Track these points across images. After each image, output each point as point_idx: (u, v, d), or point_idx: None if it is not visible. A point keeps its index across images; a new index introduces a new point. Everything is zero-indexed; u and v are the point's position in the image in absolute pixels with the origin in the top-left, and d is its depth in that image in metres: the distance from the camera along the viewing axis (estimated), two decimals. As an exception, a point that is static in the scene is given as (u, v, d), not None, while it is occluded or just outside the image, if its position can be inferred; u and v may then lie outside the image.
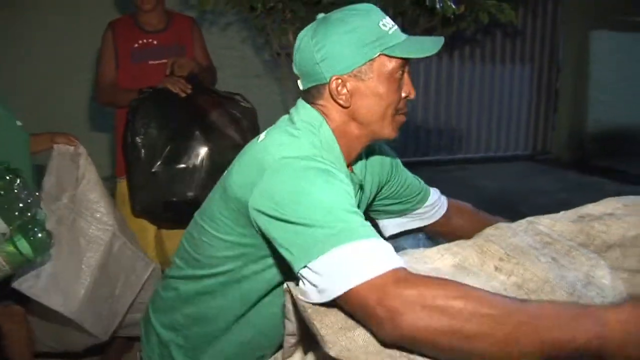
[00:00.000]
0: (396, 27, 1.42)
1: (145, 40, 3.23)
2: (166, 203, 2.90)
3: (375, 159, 1.67)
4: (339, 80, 1.39)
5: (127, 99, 3.07)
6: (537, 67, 8.67)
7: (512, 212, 6.13)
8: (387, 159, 1.72)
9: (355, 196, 1.48)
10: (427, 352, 1.02)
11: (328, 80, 1.40)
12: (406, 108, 1.48)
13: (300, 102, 1.49)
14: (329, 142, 1.42)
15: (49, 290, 2.67)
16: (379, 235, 1.16)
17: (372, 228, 1.18)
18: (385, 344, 1.06)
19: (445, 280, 1.07)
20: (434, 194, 1.89)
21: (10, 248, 2.23)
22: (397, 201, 1.81)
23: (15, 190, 2.26)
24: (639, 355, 0.92)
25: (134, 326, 2.77)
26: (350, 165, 1.53)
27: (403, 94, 1.45)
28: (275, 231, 1.24)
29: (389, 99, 1.42)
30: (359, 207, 1.52)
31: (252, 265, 1.45)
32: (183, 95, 2.97)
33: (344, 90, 1.40)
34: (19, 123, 2.72)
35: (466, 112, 8.32)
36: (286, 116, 1.50)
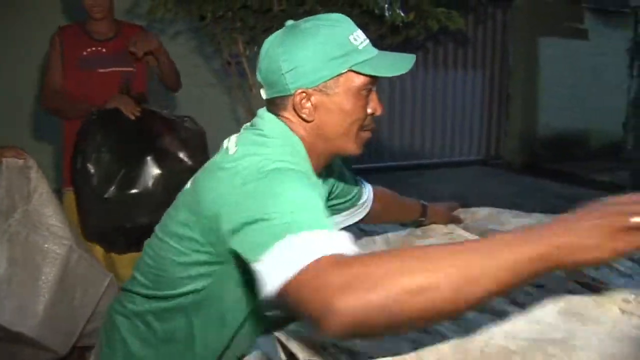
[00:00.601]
0: (367, 41, 1.37)
1: (94, 48, 3.19)
2: (118, 228, 2.87)
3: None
4: (304, 94, 1.34)
5: (73, 109, 3.05)
6: (488, 73, 8.84)
7: (464, 216, 6.14)
8: (336, 160, 1.69)
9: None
10: (376, 333, 0.98)
11: (292, 92, 1.34)
12: (372, 124, 1.43)
13: (266, 114, 1.43)
14: (301, 153, 1.39)
15: (6, 309, 2.62)
16: (332, 227, 1.09)
17: (328, 221, 1.12)
18: None
19: (385, 253, 1.00)
20: (366, 188, 1.89)
21: None
22: (340, 201, 1.80)
23: None
24: (585, 257, 0.91)
25: (92, 336, 2.74)
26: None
27: (369, 111, 1.40)
28: (239, 240, 1.17)
29: (354, 116, 1.37)
30: None
31: (222, 285, 1.40)
32: (133, 118, 2.95)
33: (308, 104, 1.35)
34: None
35: (419, 118, 8.43)
36: (250, 128, 1.43)
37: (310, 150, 1.41)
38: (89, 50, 3.19)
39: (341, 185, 1.76)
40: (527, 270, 0.91)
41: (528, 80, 8.76)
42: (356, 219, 1.90)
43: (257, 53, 3.66)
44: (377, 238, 1.95)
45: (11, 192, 2.70)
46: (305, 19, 1.38)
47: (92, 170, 2.84)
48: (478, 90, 8.82)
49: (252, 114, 3.91)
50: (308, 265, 0.98)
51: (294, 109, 1.37)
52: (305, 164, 1.37)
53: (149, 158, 2.88)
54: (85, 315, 2.82)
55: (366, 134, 1.43)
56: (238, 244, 1.17)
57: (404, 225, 2.14)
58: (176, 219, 1.41)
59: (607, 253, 0.91)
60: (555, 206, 5.11)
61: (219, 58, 4.44)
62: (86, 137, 2.88)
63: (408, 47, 7.51)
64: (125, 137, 2.90)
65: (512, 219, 2.09)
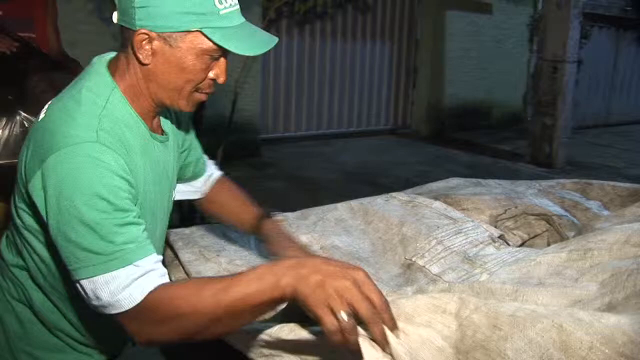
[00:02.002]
0: (235, 8, 1.31)
1: None
2: None
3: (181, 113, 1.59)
4: (146, 36, 1.27)
5: None
6: (397, 44, 8.92)
7: (372, 184, 6.31)
8: (186, 116, 1.63)
9: (159, 161, 1.43)
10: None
11: (136, 29, 1.27)
12: (212, 89, 1.38)
13: (98, 64, 1.37)
14: (117, 113, 1.32)
15: None
16: (140, 253, 1.21)
17: (136, 244, 1.22)
18: None
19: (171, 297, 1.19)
20: (211, 167, 1.83)
21: None
22: (188, 161, 1.72)
23: None
24: (309, 292, 1.08)
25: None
26: (155, 117, 1.45)
27: (211, 75, 1.34)
28: (55, 225, 1.22)
29: (189, 75, 1.32)
30: (170, 162, 1.50)
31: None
32: (8, 53, 2.75)
33: (147, 47, 1.29)
34: None
35: (328, 88, 8.40)
36: (75, 82, 1.37)
37: (140, 96, 1.36)
38: None
39: (190, 143, 1.69)
40: (257, 302, 1.12)
41: (435, 52, 8.91)
42: (192, 197, 1.82)
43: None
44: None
45: None
46: None
47: None
48: (386, 61, 8.88)
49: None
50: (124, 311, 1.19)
51: (132, 46, 1.30)
52: (118, 125, 1.31)
53: (11, 98, 2.71)
54: None
55: (200, 96, 1.38)
56: (58, 245, 1.23)
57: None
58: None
59: (317, 308, 1.07)
60: (461, 173, 5.25)
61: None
62: None
63: (311, 16, 7.52)
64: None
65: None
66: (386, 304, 1.10)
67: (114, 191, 1.21)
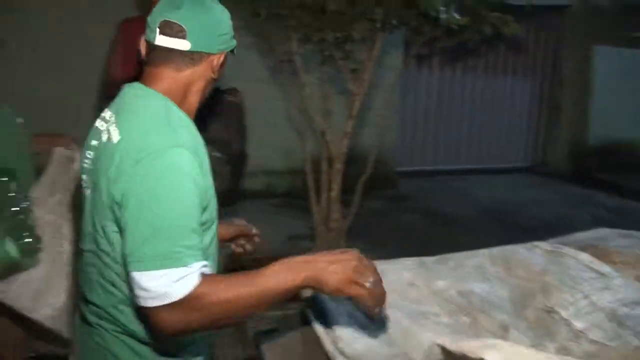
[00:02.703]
0: None
1: None
2: None
3: None
4: (222, 57, 1.59)
5: None
6: (539, 79, 8.69)
7: (508, 223, 6.11)
8: None
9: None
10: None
11: (215, 53, 1.57)
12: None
13: (146, 91, 1.58)
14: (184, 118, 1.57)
15: (27, 297, 2.66)
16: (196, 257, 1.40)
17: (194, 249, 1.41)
18: None
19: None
20: None
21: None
22: None
23: (9, 194, 2.25)
24: (335, 279, 1.39)
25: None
26: None
27: None
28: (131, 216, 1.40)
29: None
30: None
31: None
32: None
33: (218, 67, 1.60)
34: (20, 120, 2.73)
35: (466, 123, 8.33)
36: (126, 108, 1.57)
37: (191, 104, 1.63)
38: None
39: None
40: (277, 294, 1.40)
41: (580, 88, 8.58)
42: None
43: (311, 51, 3.66)
44: None
45: (54, 180, 2.74)
46: None
47: None
48: (527, 97, 8.68)
49: (304, 111, 3.95)
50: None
51: (205, 67, 1.58)
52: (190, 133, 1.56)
53: None
54: None
55: None
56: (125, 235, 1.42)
57: None
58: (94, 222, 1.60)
59: (338, 293, 1.41)
60: (605, 219, 5.02)
61: (271, 55, 4.46)
62: None
63: (461, 51, 7.49)
64: None
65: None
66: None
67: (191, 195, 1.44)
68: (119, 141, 1.48)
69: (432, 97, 8.00)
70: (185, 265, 1.36)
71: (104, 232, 1.52)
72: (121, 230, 1.44)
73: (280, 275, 1.39)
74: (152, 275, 1.35)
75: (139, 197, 1.40)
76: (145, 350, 1.59)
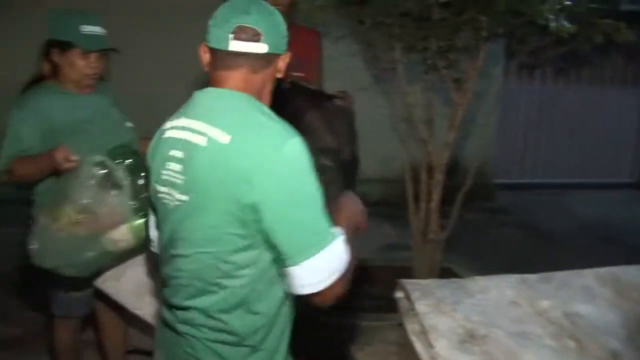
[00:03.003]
0: None
1: None
2: None
3: None
4: (287, 57, 1.70)
5: None
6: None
7: (613, 242, 5.86)
8: None
9: None
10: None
11: (283, 53, 1.68)
12: None
13: (229, 92, 1.61)
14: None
15: (131, 293, 2.76)
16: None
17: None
18: None
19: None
20: None
21: (138, 222, 2.38)
22: None
23: (141, 173, 2.37)
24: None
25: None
26: None
27: None
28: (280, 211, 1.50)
29: None
30: None
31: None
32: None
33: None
34: (129, 124, 2.86)
35: (567, 135, 8.05)
36: (219, 107, 1.60)
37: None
38: None
39: None
40: None
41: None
42: None
43: (414, 61, 3.62)
44: None
45: None
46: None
47: None
48: (636, 108, 8.29)
49: (406, 120, 3.91)
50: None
51: (275, 67, 1.67)
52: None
53: None
54: None
55: None
56: (280, 233, 1.52)
57: None
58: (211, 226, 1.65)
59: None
60: None
61: (375, 63, 4.45)
62: None
63: (566, 60, 7.24)
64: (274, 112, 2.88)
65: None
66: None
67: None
68: (230, 141, 1.50)
69: (533, 107, 7.79)
70: (337, 238, 1.53)
71: (211, 235, 1.54)
72: (258, 230, 1.51)
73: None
74: (320, 257, 1.49)
75: (283, 194, 1.48)
76: (235, 353, 1.61)
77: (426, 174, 3.95)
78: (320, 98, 2.94)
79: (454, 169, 4.77)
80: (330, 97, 2.93)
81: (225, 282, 1.56)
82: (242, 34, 1.57)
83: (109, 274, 2.77)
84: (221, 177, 1.49)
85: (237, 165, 1.47)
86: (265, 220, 1.48)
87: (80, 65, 2.69)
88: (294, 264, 1.49)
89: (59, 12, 2.74)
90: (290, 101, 2.92)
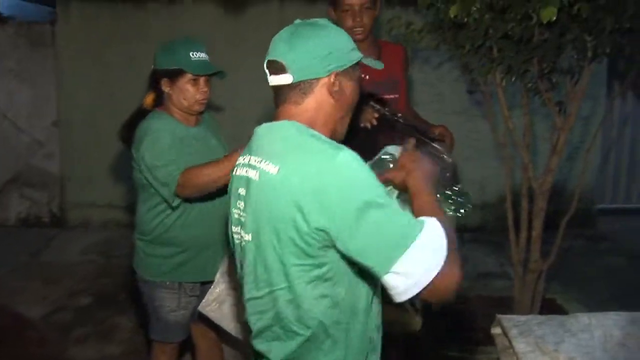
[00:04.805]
0: None
1: None
2: None
3: None
4: (332, 77, 1.61)
5: None
6: None
7: None
8: None
9: None
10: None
11: (325, 76, 1.59)
12: None
13: (278, 123, 1.61)
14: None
15: (231, 319, 2.78)
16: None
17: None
18: None
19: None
20: None
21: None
22: None
23: None
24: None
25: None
26: None
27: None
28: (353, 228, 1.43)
29: (355, 101, 1.73)
30: None
31: None
32: (367, 125, 2.81)
33: (337, 86, 1.61)
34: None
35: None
36: (284, 138, 1.57)
37: (328, 130, 1.65)
38: None
39: None
40: None
41: None
42: None
43: (514, 84, 3.52)
44: None
45: None
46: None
47: None
48: None
49: (506, 145, 3.78)
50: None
51: (325, 91, 1.59)
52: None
53: None
54: None
55: None
56: (363, 245, 1.47)
57: None
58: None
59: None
60: None
61: (471, 86, 4.37)
62: None
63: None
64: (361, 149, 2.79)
65: None
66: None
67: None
68: (278, 170, 1.50)
69: (638, 129, 7.43)
70: (421, 228, 1.43)
71: (283, 269, 1.52)
72: (340, 254, 1.49)
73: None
74: (409, 256, 1.39)
75: (344, 208, 1.42)
76: None
77: (526, 201, 3.82)
78: (424, 144, 2.84)
79: (554, 194, 4.61)
80: (432, 139, 2.81)
81: (301, 315, 1.53)
82: (271, 68, 1.61)
83: (210, 298, 2.80)
84: (276, 208, 1.48)
85: (288, 194, 1.46)
86: (337, 240, 1.44)
87: (191, 91, 2.76)
88: (385, 273, 1.41)
89: (166, 43, 2.81)
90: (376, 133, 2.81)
